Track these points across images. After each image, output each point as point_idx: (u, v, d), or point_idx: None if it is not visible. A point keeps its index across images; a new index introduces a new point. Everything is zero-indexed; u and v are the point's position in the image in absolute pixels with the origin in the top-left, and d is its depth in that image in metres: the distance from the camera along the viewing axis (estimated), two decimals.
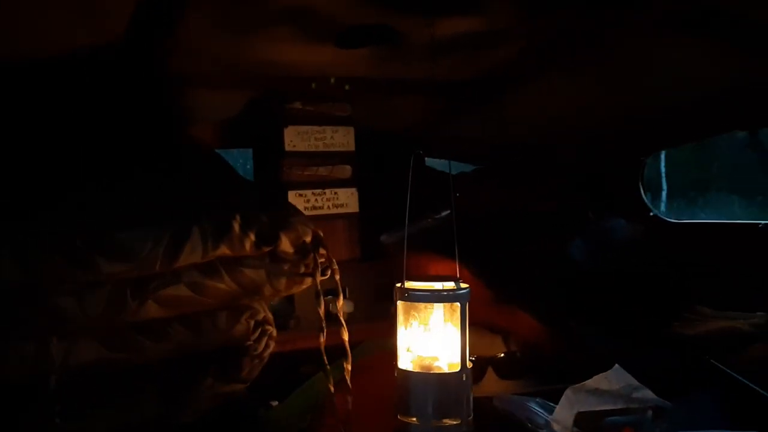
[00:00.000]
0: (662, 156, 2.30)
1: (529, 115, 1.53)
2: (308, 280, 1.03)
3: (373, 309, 1.33)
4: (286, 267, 1.00)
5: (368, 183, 1.47)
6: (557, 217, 1.61)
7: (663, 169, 2.33)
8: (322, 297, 1.01)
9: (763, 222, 1.45)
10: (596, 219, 1.63)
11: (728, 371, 1.14)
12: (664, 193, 2.15)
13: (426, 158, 1.83)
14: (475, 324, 1.32)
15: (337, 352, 1.06)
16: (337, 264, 1.08)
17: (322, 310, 0.99)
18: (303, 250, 1.01)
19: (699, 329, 1.35)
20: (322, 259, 1.02)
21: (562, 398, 1.09)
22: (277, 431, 1.12)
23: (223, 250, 0.94)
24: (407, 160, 1.03)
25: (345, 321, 1.07)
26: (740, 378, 1.12)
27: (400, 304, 0.90)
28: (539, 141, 1.63)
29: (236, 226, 0.95)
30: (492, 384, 1.28)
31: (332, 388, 1.04)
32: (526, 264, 1.47)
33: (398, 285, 0.89)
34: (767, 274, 1.36)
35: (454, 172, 1.82)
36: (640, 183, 1.66)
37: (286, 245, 0.99)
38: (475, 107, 1.55)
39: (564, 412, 1.07)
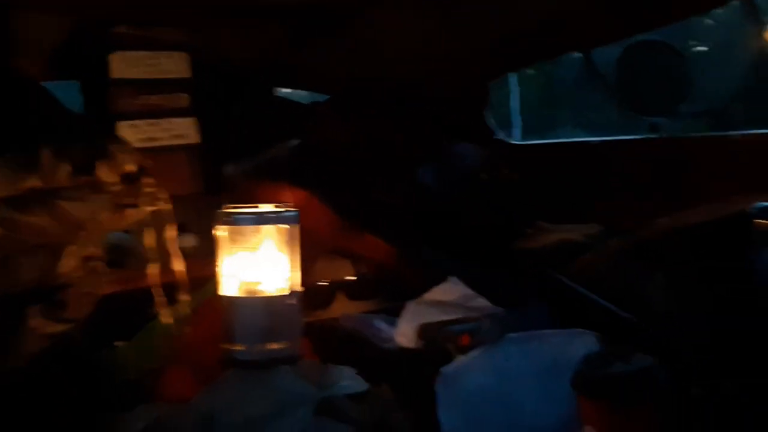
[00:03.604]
0: (517, 97, 2.49)
1: (372, 46, 1.51)
2: (135, 212, 0.98)
3: None
4: (108, 198, 0.95)
5: (213, 114, 1.41)
6: (408, 145, 1.63)
7: (518, 108, 2.53)
8: (151, 228, 0.97)
9: (595, 139, 1.54)
10: (445, 145, 1.67)
11: (561, 278, 1.22)
12: (518, 131, 2.35)
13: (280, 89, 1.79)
14: (324, 250, 1.34)
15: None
16: (179, 198, 1.04)
17: (149, 242, 0.96)
18: (127, 180, 0.96)
19: (539, 243, 1.43)
20: (149, 189, 0.98)
21: (404, 312, 1.12)
22: (123, 371, 1.08)
23: (33, 181, 0.88)
24: (255, 90, 1.00)
25: (188, 255, 1.04)
26: (570, 284, 1.19)
27: (222, 229, 0.86)
28: (387, 72, 1.63)
29: (46, 157, 0.88)
30: (343, 307, 1.30)
31: (174, 325, 1.01)
32: (376, 190, 1.48)
33: (219, 210, 0.86)
34: (598, 188, 1.45)
35: (307, 102, 1.79)
36: (485, 108, 1.70)
37: (105, 174, 0.93)
38: (315, 38, 1.51)
39: (406, 325, 1.11)
